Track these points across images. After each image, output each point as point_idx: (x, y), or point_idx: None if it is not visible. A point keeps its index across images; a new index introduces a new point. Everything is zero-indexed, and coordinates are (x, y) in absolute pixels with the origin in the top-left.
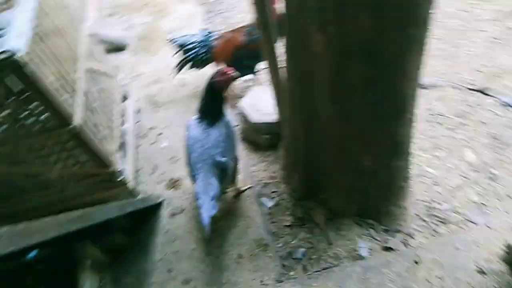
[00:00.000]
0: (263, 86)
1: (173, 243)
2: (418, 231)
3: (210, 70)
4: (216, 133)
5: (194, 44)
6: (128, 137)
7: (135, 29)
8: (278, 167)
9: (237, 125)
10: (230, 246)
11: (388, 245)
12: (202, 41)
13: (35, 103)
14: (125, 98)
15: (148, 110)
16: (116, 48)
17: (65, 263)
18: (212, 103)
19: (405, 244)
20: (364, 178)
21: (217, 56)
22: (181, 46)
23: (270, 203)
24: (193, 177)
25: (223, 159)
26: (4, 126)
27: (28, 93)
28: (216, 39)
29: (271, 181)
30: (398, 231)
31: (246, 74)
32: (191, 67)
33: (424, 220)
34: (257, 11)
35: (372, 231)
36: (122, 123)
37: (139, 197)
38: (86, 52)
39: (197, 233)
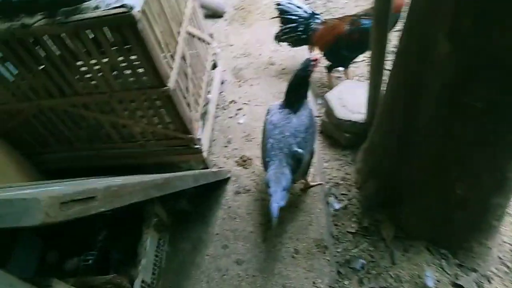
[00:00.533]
0: (355, 81)
1: (233, 221)
2: (498, 276)
3: (301, 51)
4: (297, 122)
5: (296, 17)
6: (211, 106)
7: None
8: (353, 170)
9: (318, 116)
10: (288, 238)
11: (459, 282)
12: (304, 18)
13: (137, 58)
14: (214, 66)
15: (232, 83)
16: (214, 14)
17: (133, 215)
18: (299, 91)
19: (479, 286)
20: (451, 206)
21: (315, 40)
22: (283, 12)
23: (337, 205)
24: (266, 163)
25: (300, 151)
26: (101, 73)
27: (133, 47)
28: (319, 23)
29: (342, 182)
30: (475, 270)
31: (340, 66)
32: (285, 40)
33: (508, 266)
34: None
35: (444, 262)
36: (208, 92)
37: (211, 169)
38: (190, 14)
39: (257, 216)
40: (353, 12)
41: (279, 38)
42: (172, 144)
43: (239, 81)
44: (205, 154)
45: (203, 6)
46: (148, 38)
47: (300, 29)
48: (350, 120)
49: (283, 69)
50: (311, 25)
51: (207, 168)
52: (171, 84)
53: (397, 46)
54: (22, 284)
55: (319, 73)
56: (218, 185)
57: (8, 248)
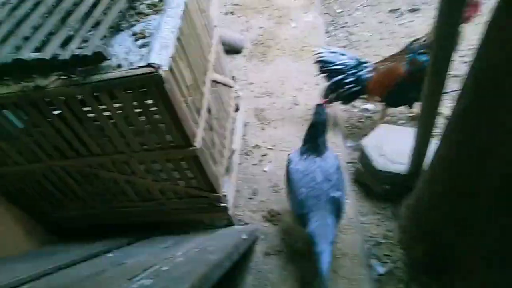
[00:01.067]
0: (393, 126)
1: (265, 285)
2: None
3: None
4: (325, 165)
5: (342, 67)
6: (235, 156)
7: (253, 32)
8: (395, 226)
9: (350, 163)
10: None
11: None
12: (352, 66)
13: (161, 119)
14: (236, 109)
15: (255, 125)
16: (232, 49)
17: None
18: (320, 135)
19: None
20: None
21: (371, 88)
22: (326, 63)
23: (381, 269)
24: (303, 217)
25: (338, 194)
26: (120, 134)
27: (159, 108)
28: (369, 69)
29: (384, 241)
30: None
31: (404, 105)
32: (337, 98)
33: None
34: (442, 22)
35: None
36: (232, 140)
37: (238, 227)
38: (214, 60)
39: (293, 283)
40: (399, 49)
41: (330, 97)
42: (195, 203)
43: (262, 123)
44: (230, 211)
45: (221, 43)
46: (175, 97)
47: (350, 79)
48: (390, 171)
49: (309, 109)
50: (361, 73)
51: (232, 224)
52: (198, 143)
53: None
54: None
55: (346, 111)
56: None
57: None
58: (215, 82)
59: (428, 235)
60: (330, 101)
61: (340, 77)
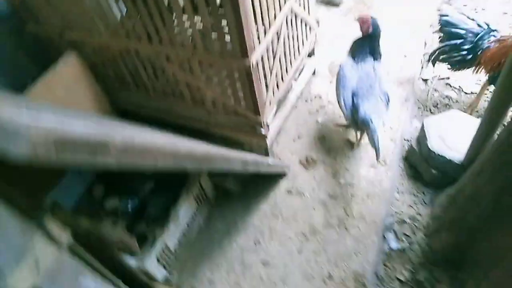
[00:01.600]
0: (464, 114)
1: (274, 219)
2: None
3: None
4: (379, 67)
5: (464, 32)
6: (292, 95)
7: None
8: (428, 212)
9: (406, 140)
10: (326, 260)
11: None
12: (475, 33)
13: (227, 23)
14: (310, 55)
15: (324, 76)
16: (330, 2)
17: (180, 177)
18: (377, 43)
19: None
20: None
21: (484, 60)
22: (448, 25)
23: (395, 245)
24: (356, 103)
25: (386, 87)
26: (190, 31)
27: (225, 8)
28: (494, 39)
29: (409, 221)
30: None
31: None
32: (444, 61)
33: None
34: None
35: None
36: (294, 79)
37: (268, 159)
38: None
39: (302, 225)
40: None
41: (435, 58)
42: (239, 121)
43: (331, 77)
44: (269, 142)
45: None
46: (244, 2)
47: (466, 47)
48: (444, 156)
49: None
50: (483, 42)
51: (267, 155)
52: (254, 58)
53: None
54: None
55: (425, 92)
56: (272, 177)
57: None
58: (295, 14)
59: (456, 227)
60: (436, 61)
61: (457, 41)
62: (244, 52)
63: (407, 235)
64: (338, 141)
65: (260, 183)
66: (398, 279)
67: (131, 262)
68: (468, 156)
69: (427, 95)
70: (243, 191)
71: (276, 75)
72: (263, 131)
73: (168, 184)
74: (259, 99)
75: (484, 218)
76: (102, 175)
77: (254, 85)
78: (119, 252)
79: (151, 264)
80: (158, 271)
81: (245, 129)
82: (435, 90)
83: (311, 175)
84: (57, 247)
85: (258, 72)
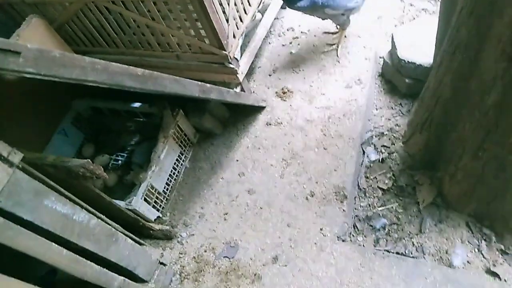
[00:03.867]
0: (435, 18)
1: (256, 151)
2: None
3: None
4: None
5: None
6: (260, 30)
7: None
8: (405, 122)
9: (382, 57)
10: (307, 179)
11: (495, 270)
12: None
13: None
14: None
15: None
16: None
17: (155, 125)
18: None
19: None
20: (505, 178)
21: None
22: None
23: (374, 156)
24: None
25: None
26: None
27: None
28: None
29: (388, 133)
30: None
31: None
32: None
33: None
34: None
35: (483, 243)
36: (259, 12)
37: (247, 92)
38: None
39: (282, 151)
40: None
41: None
42: (207, 60)
43: None
44: (240, 76)
45: None
46: None
47: None
48: (414, 63)
49: None
50: None
51: (243, 91)
52: None
53: None
54: None
55: (400, 8)
56: (250, 112)
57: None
58: None
59: (427, 126)
60: None
61: None
62: None
63: (386, 146)
64: (313, 69)
65: (239, 121)
66: (380, 188)
67: (121, 204)
68: (435, 57)
69: (403, 10)
70: (224, 130)
71: (236, 6)
72: (231, 65)
73: (152, 136)
74: (220, 32)
75: (447, 111)
76: (91, 135)
77: (211, 16)
78: (86, 181)
79: (140, 206)
80: (149, 212)
81: (214, 68)
82: (411, 5)
83: (287, 105)
84: (9, 166)
85: (214, 4)
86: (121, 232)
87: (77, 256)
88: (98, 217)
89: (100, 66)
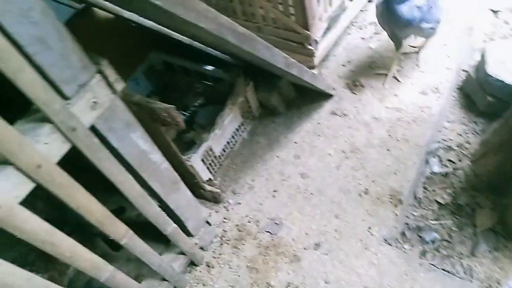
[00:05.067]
0: None
1: (315, 137)
2: None
3: None
4: None
5: None
6: (344, 16)
7: None
8: (476, 140)
9: (465, 71)
10: (364, 176)
11: None
12: None
13: None
14: None
15: None
16: None
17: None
18: None
19: None
20: None
21: None
22: None
23: (437, 168)
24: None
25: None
26: None
27: None
28: None
29: (456, 148)
30: None
31: None
32: None
33: None
34: None
35: None
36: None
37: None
38: None
39: (343, 144)
40: None
41: None
42: (287, 37)
43: None
44: (316, 60)
45: None
46: None
47: None
48: (502, 81)
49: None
50: None
51: None
52: None
53: None
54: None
55: (492, 24)
56: (316, 98)
57: None
58: None
59: (505, 149)
60: None
61: None
62: None
63: (452, 161)
64: (390, 68)
65: (303, 105)
66: (437, 201)
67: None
68: None
69: (495, 27)
70: (287, 111)
71: None
72: (310, 47)
73: (216, 101)
74: (310, 13)
75: None
76: (158, 89)
77: None
78: (163, 125)
79: (197, 163)
80: (203, 172)
81: (293, 47)
82: (506, 22)
83: (357, 98)
84: (112, 92)
85: None
86: None
87: (145, 192)
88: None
89: (211, 15)
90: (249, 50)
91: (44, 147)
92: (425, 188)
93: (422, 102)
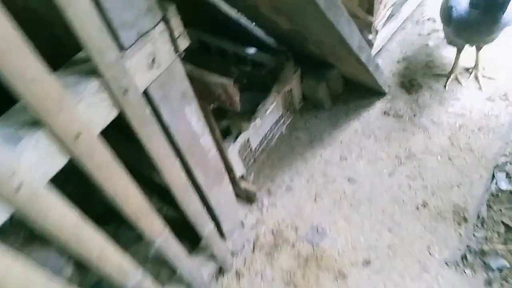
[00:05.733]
0: None
1: (365, 138)
2: None
3: None
4: None
5: None
6: (405, 10)
7: None
8: None
9: None
10: (422, 186)
11: None
12: None
13: None
14: None
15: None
16: None
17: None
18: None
19: None
20: None
21: None
22: None
23: (505, 186)
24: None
25: None
26: None
27: None
28: None
29: None
30: None
31: None
32: None
33: None
34: None
35: None
36: None
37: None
38: None
39: (396, 147)
40: None
41: None
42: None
43: None
44: (373, 51)
45: None
46: None
47: None
48: None
49: None
50: None
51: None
52: None
53: None
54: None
55: None
56: (366, 95)
57: None
58: None
59: None
60: None
61: None
62: None
63: None
64: (451, 69)
65: (351, 101)
66: (504, 223)
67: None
68: None
69: None
70: (332, 106)
71: None
72: (370, 36)
73: (252, 87)
74: None
75: None
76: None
77: None
78: (217, 103)
79: (234, 156)
80: (238, 167)
81: None
82: None
83: (413, 99)
84: (174, 50)
85: None
86: None
87: (188, 183)
88: None
89: None
90: (332, 18)
91: (87, 110)
92: (489, 206)
93: (488, 108)
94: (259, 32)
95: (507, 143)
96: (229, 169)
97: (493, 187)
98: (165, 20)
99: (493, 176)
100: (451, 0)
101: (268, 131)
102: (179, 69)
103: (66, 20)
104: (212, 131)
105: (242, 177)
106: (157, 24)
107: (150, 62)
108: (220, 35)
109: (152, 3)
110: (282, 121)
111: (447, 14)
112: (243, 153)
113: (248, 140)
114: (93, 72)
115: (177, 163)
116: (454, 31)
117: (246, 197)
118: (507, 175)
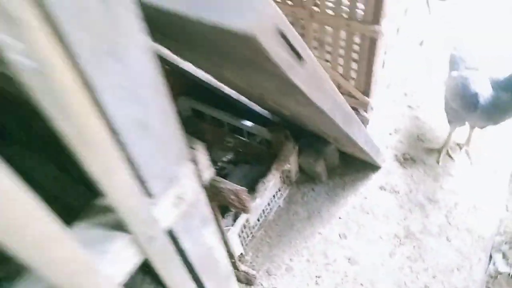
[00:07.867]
0: None
1: (364, 215)
2: None
3: None
4: None
5: None
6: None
7: None
8: None
9: None
10: (423, 269)
11: None
12: None
13: None
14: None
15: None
16: None
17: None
18: None
19: None
20: None
21: None
22: None
23: (503, 268)
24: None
25: None
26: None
27: None
28: None
29: None
30: None
31: None
32: None
33: None
34: None
35: None
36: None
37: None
38: None
39: (395, 225)
40: None
41: None
42: (345, 92)
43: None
44: (369, 128)
45: None
46: None
47: None
48: None
49: None
50: None
51: None
52: (384, 24)
53: None
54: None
55: None
56: (361, 168)
57: None
58: None
59: None
60: None
61: None
62: (376, 16)
63: None
64: (442, 142)
65: (347, 174)
66: None
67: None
68: None
69: None
70: (329, 179)
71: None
72: (365, 114)
73: (247, 158)
74: (373, 76)
75: None
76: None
77: (375, 58)
78: (230, 206)
79: (233, 239)
80: (236, 247)
81: (348, 96)
82: None
83: (408, 174)
84: (200, 184)
85: (382, 41)
86: None
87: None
88: None
89: (339, 99)
90: (347, 132)
91: (110, 269)
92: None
93: (482, 186)
94: (256, 106)
95: (501, 220)
96: (230, 255)
97: (491, 268)
98: (194, 161)
99: (491, 256)
100: (473, 87)
101: (266, 206)
102: (202, 199)
103: (101, 188)
104: (217, 221)
105: (241, 255)
106: (185, 166)
107: (177, 201)
108: (214, 103)
109: (183, 149)
110: (279, 194)
111: (471, 101)
112: (242, 233)
113: (247, 219)
114: (116, 225)
115: (192, 286)
116: (482, 116)
117: (245, 280)
118: (504, 255)
